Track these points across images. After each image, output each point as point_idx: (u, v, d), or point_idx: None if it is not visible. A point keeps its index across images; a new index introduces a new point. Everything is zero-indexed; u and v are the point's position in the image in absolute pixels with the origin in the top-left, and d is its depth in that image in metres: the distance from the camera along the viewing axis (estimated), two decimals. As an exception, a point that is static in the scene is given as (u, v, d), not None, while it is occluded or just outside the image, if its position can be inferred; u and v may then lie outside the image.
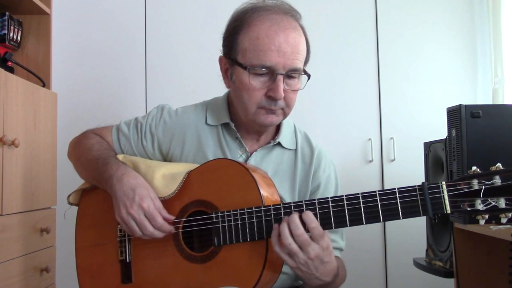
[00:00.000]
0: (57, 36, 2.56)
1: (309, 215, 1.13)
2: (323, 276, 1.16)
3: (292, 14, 1.31)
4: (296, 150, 1.43)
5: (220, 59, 1.37)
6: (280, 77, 1.26)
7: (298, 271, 1.15)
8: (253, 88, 1.28)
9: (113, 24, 2.73)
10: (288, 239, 1.12)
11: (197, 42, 2.67)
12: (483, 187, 1.06)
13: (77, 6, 2.73)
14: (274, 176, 1.35)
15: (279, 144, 1.41)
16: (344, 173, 2.61)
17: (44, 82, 2.21)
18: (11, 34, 2.16)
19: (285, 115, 1.36)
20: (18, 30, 2.21)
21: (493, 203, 1.05)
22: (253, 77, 1.28)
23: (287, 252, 1.13)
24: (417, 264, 2.17)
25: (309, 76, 1.31)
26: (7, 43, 2.14)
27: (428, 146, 2.17)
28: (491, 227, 1.64)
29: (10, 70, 2.06)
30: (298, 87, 1.31)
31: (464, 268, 1.86)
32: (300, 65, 1.28)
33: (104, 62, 2.71)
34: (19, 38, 2.22)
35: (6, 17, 2.12)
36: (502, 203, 1.04)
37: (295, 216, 1.13)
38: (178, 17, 2.74)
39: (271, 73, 1.27)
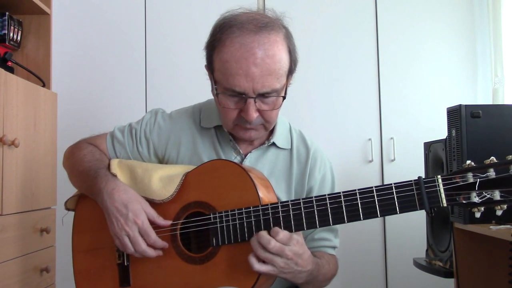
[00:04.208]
0: (57, 36, 2.56)
1: (274, 230, 1.15)
2: (304, 267, 1.18)
3: (269, 27, 1.24)
4: (291, 149, 1.42)
5: (206, 68, 1.36)
6: (250, 101, 1.24)
7: (283, 274, 1.17)
8: (227, 108, 1.27)
9: (113, 24, 2.73)
10: (263, 253, 1.14)
11: (197, 42, 2.65)
12: (478, 180, 1.07)
13: (77, 6, 2.73)
14: (270, 176, 1.35)
15: (273, 144, 1.40)
16: (344, 173, 2.61)
17: (44, 82, 2.21)
18: (11, 34, 2.16)
19: (266, 129, 1.34)
20: (18, 30, 2.21)
21: (488, 196, 1.06)
22: (225, 98, 1.27)
23: (269, 263, 1.15)
24: (417, 264, 2.17)
25: (284, 98, 1.29)
26: (7, 43, 2.14)
27: (428, 146, 2.17)
28: (491, 227, 1.64)
29: (10, 70, 2.06)
30: (275, 106, 1.28)
31: (464, 268, 1.86)
32: (273, 86, 1.24)
33: (104, 62, 2.72)
34: (19, 38, 2.23)
35: (6, 17, 2.12)
36: (497, 195, 1.06)
37: (263, 232, 1.15)
38: (177, 17, 2.74)
39: (242, 95, 1.25)
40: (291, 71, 1.31)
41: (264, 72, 1.22)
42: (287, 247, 1.14)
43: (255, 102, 1.24)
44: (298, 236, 1.18)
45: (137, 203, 1.26)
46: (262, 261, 1.15)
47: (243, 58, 1.21)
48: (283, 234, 1.15)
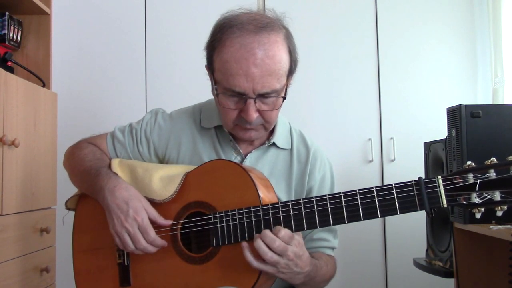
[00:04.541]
0: (57, 36, 2.56)
1: (275, 228, 1.15)
2: (302, 268, 1.18)
3: (269, 28, 1.24)
4: (291, 149, 1.42)
5: (206, 68, 1.35)
6: (250, 101, 1.24)
7: (281, 275, 1.17)
8: (228, 108, 1.27)
9: (113, 24, 2.73)
10: (268, 254, 1.13)
11: (197, 42, 2.65)
12: (478, 180, 1.07)
13: (77, 6, 2.73)
14: (270, 176, 1.34)
15: (274, 144, 1.40)
16: (344, 173, 2.61)
17: (44, 82, 2.21)
18: (11, 34, 2.16)
19: (266, 129, 1.34)
20: (18, 30, 2.21)
21: (488, 196, 1.06)
22: (225, 98, 1.27)
23: (269, 264, 1.14)
24: (417, 264, 2.17)
25: (284, 98, 1.29)
26: (7, 43, 2.14)
27: (428, 146, 2.17)
28: (491, 227, 1.64)
29: (10, 70, 2.06)
30: (275, 107, 1.28)
31: (464, 268, 1.86)
32: (273, 86, 1.24)
33: (104, 62, 2.72)
34: (19, 38, 2.23)
35: (6, 17, 2.12)
36: (497, 196, 1.06)
37: (267, 231, 1.15)
38: (178, 17, 2.74)
39: (242, 95, 1.25)
40: (291, 71, 1.31)
41: (264, 73, 1.22)
42: (290, 247, 1.14)
43: (255, 102, 1.24)
44: (298, 237, 1.18)
45: (138, 201, 1.26)
46: (260, 259, 1.14)
47: (243, 58, 1.21)
48: (284, 231, 1.15)
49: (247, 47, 1.21)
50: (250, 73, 1.21)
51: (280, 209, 1.18)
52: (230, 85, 1.23)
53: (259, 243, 1.14)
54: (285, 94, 1.29)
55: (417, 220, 2.22)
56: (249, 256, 1.15)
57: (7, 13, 2.13)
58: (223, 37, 1.24)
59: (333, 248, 1.43)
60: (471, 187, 1.07)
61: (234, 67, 1.22)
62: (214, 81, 1.29)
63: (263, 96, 1.24)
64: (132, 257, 1.31)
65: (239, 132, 1.33)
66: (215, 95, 1.31)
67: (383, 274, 2.66)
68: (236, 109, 1.27)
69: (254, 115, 1.25)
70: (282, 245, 1.13)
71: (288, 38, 1.29)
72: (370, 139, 2.70)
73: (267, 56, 1.22)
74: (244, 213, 1.20)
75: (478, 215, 1.09)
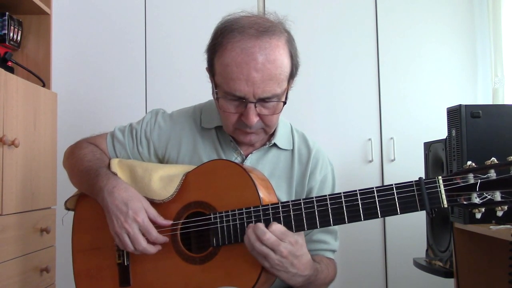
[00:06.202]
0: (57, 36, 2.56)
1: (270, 224, 1.16)
2: (301, 271, 1.18)
3: (270, 32, 1.23)
4: (292, 150, 1.42)
5: (207, 70, 1.35)
6: (251, 105, 1.24)
7: (276, 272, 1.17)
8: (228, 112, 1.27)
9: (113, 24, 2.73)
10: (256, 243, 1.14)
11: (197, 42, 2.66)
12: (479, 181, 1.07)
13: (77, 6, 2.73)
14: (271, 177, 1.34)
15: (275, 145, 1.40)
16: (344, 173, 2.61)
17: (44, 82, 2.21)
18: (11, 34, 2.16)
19: (267, 133, 1.34)
20: (18, 30, 2.21)
21: (489, 197, 1.07)
22: (225, 102, 1.27)
23: (260, 255, 1.15)
24: (417, 264, 2.17)
25: (284, 103, 1.28)
26: (7, 43, 2.14)
27: (428, 146, 2.17)
28: (491, 227, 1.64)
29: (10, 70, 2.06)
30: (275, 111, 1.28)
31: (464, 268, 1.86)
32: (274, 91, 1.23)
33: (104, 62, 2.72)
34: (19, 38, 2.23)
35: (6, 17, 2.12)
36: (497, 196, 1.06)
37: (259, 224, 1.16)
38: (178, 17, 2.74)
39: (243, 100, 1.25)
40: (292, 75, 1.30)
41: (265, 77, 1.21)
42: (282, 244, 1.14)
43: (255, 106, 1.24)
44: (298, 237, 1.17)
45: (137, 201, 1.25)
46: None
47: (244, 62, 1.21)
48: (276, 226, 1.15)
49: (248, 52, 1.21)
50: (251, 78, 1.21)
51: (280, 209, 1.18)
52: (231, 89, 1.23)
53: (250, 232, 1.15)
54: (286, 98, 1.29)
55: (417, 220, 2.23)
56: (247, 243, 1.15)
57: (7, 13, 2.13)
58: (224, 41, 1.24)
59: (333, 251, 1.42)
60: (472, 187, 1.07)
61: (234, 71, 1.21)
62: (215, 85, 1.29)
63: (263, 100, 1.24)
64: (132, 257, 1.31)
65: (240, 136, 1.33)
66: (215, 98, 1.31)
67: (383, 274, 2.66)
68: (237, 113, 1.27)
69: (254, 119, 1.25)
70: (273, 239, 1.13)
71: (290, 42, 1.29)
72: (370, 139, 2.70)
73: (268, 60, 1.22)
74: (244, 213, 1.20)
75: (478, 215, 1.09)
